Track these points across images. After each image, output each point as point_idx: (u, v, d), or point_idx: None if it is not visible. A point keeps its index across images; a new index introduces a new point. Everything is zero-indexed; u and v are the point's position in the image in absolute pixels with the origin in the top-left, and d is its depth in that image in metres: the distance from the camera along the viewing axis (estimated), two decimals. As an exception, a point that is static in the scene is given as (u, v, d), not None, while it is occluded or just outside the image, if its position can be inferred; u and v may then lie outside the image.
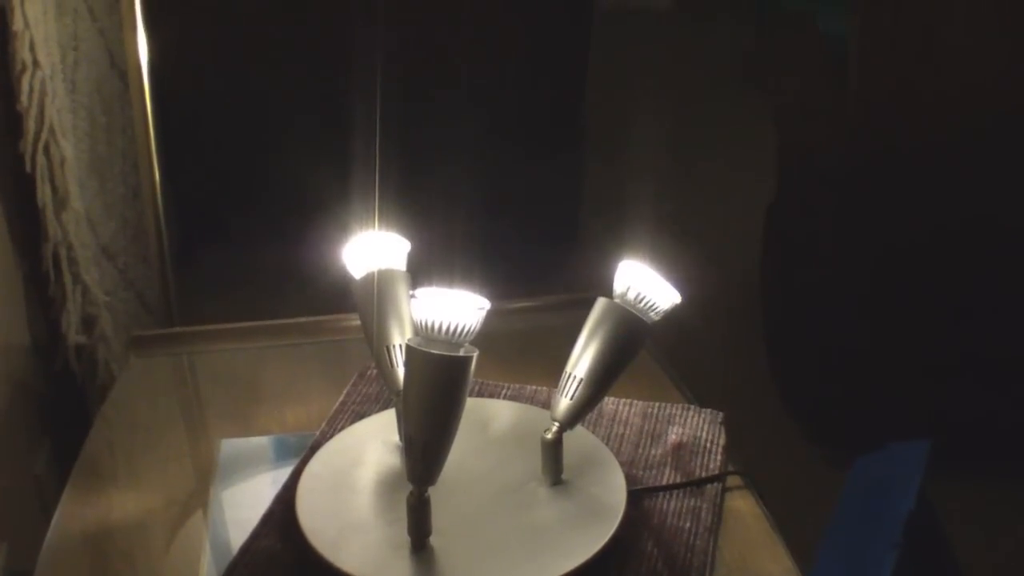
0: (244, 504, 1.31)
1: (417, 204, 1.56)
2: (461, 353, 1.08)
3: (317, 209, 1.75)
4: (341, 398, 1.44)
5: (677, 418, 1.42)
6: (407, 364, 1.10)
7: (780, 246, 2.94)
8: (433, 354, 1.06)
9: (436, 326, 1.07)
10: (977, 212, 2.42)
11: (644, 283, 1.24)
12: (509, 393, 1.46)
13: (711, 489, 1.31)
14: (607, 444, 1.33)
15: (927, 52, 2.31)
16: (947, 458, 1.81)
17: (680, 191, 3.76)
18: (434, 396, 1.08)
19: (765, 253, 3.03)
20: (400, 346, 1.23)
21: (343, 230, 1.29)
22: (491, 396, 1.45)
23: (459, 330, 1.07)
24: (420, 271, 1.28)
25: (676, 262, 1.32)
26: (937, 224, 2.44)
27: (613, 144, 3.39)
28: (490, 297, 1.11)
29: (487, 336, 1.11)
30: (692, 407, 1.45)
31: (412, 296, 1.09)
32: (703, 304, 1.71)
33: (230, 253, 2.20)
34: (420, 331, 1.08)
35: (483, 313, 1.09)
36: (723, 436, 1.40)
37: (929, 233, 2.44)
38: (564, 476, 1.25)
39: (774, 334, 2.97)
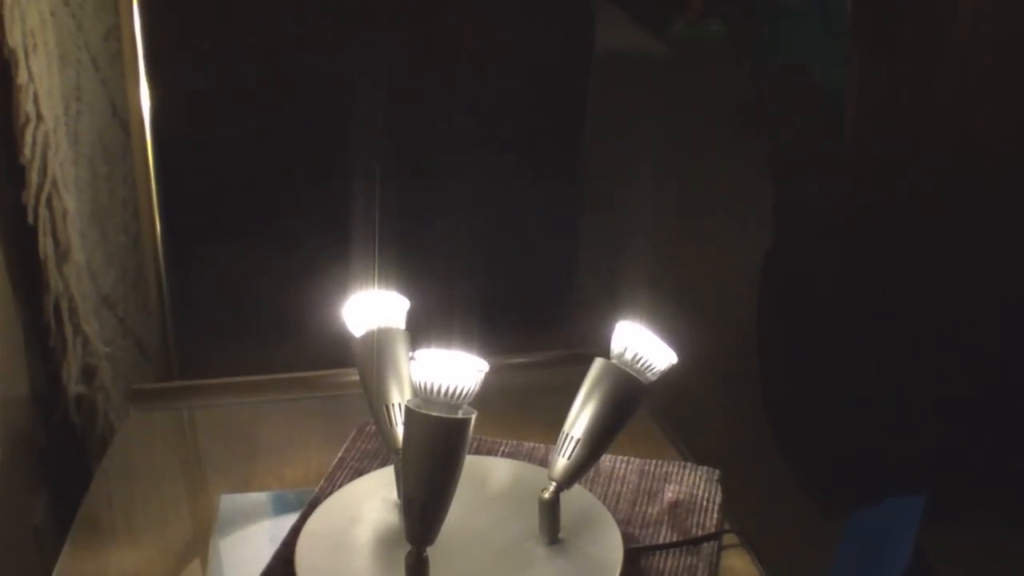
0: (243, 560, 1.31)
1: (416, 262, 1.56)
2: (460, 415, 1.09)
3: (318, 262, 1.76)
4: (340, 454, 1.45)
5: (674, 476, 1.43)
6: (406, 425, 1.10)
7: (777, 299, 2.95)
8: (432, 416, 1.07)
9: (435, 388, 1.08)
10: (976, 261, 2.43)
11: (641, 344, 1.25)
12: (507, 450, 1.46)
13: (707, 547, 1.32)
14: (604, 502, 1.34)
15: (923, 103, 2.33)
16: (943, 513, 1.82)
17: (677, 243, 3.77)
18: (433, 457, 1.09)
19: (762, 306, 3.04)
20: (399, 405, 1.23)
21: (343, 286, 1.31)
22: (489, 453, 1.46)
23: (458, 393, 1.08)
24: (420, 329, 1.29)
25: (673, 319, 1.33)
26: (937, 276, 2.45)
27: (611, 199, 3.40)
28: (489, 353, 1.12)
29: (485, 392, 1.12)
30: (688, 465, 1.46)
31: (411, 357, 1.10)
32: (700, 361, 1.72)
33: (230, 301, 2.21)
34: (419, 393, 1.09)
35: (482, 375, 1.10)
36: (719, 494, 1.41)
37: (929, 285, 2.45)
38: (561, 535, 1.25)
39: (771, 388, 2.97)
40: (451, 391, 1.08)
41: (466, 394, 1.09)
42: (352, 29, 2.10)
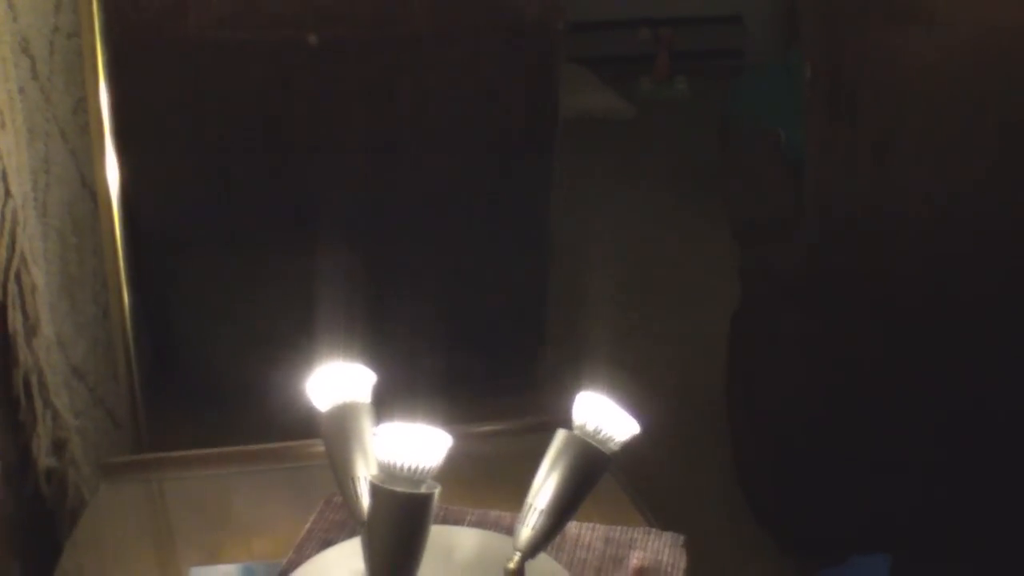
0: (212, 633, 1.32)
1: (383, 336, 1.58)
2: (423, 490, 1.10)
3: (287, 334, 1.77)
4: (308, 525, 1.46)
5: (639, 542, 1.45)
6: (371, 500, 1.12)
7: (744, 360, 2.97)
8: (395, 492, 1.09)
9: (398, 464, 1.09)
10: (937, 321, 2.45)
11: (602, 415, 1.27)
12: (473, 519, 1.48)
13: (672, 613, 1.33)
14: (569, 569, 1.35)
15: (881, 172, 2.36)
16: (911, 569, 1.84)
17: (641, 303, 3.80)
18: (397, 531, 1.11)
19: (729, 367, 3.06)
20: (365, 478, 1.25)
21: (310, 358, 1.32)
22: (456, 522, 1.47)
23: (421, 468, 1.10)
24: (385, 400, 1.31)
25: (637, 385, 1.35)
26: (899, 336, 2.47)
27: (576, 268, 3.43)
28: (453, 421, 1.14)
29: (451, 460, 1.13)
30: (653, 531, 1.47)
31: (375, 434, 1.12)
32: (666, 426, 1.74)
33: (200, 371, 2.22)
34: (383, 468, 1.11)
35: (445, 449, 1.12)
36: (684, 559, 1.42)
37: (892, 345, 2.48)
38: (527, 604, 1.27)
39: (738, 447, 2.99)
40: (414, 467, 1.09)
41: (429, 469, 1.10)
42: (320, 101, 2.12)
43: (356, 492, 1.25)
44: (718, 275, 3.35)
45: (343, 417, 1.27)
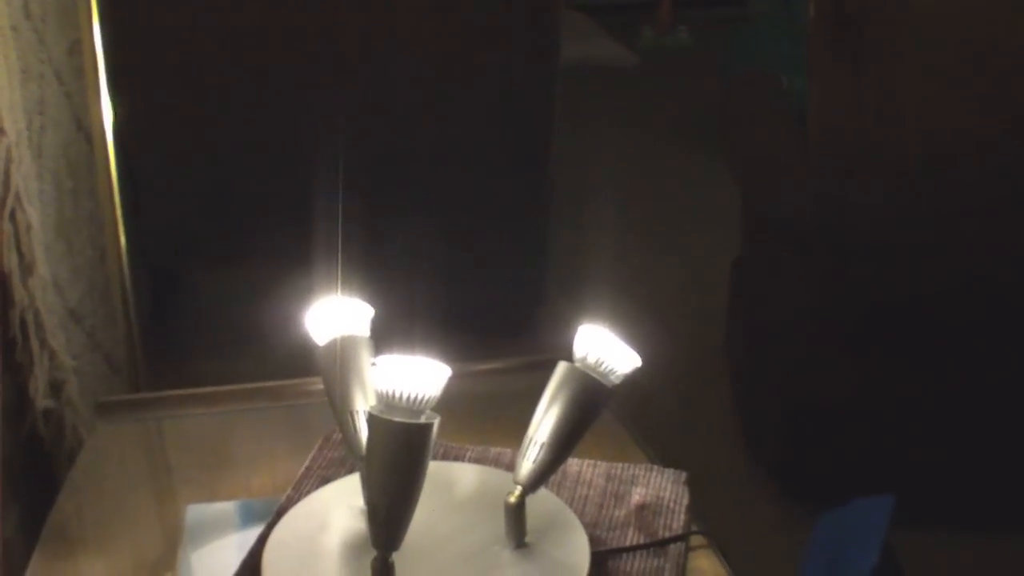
0: (211, 570, 1.31)
1: (381, 269, 1.57)
2: (422, 420, 1.09)
3: (284, 271, 1.76)
4: (307, 463, 1.45)
5: (640, 479, 1.43)
6: (369, 432, 1.11)
7: (746, 302, 2.97)
8: (394, 422, 1.08)
9: (397, 394, 1.08)
10: (941, 261, 2.44)
11: (603, 347, 1.25)
12: (473, 456, 1.46)
13: (675, 549, 1.32)
14: (570, 505, 1.34)
15: (884, 111, 2.34)
16: (911, 512, 1.83)
17: (645, 249, 3.79)
18: (396, 463, 1.10)
19: (730, 309, 3.06)
20: (363, 412, 1.23)
21: (308, 294, 1.31)
22: (455, 459, 1.46)
23: (420, 398, 1.08)
24: (383, 336, 1.29)
25: (639, 322, 1.33)
26: (903, 275, 2.46)
27: (578, 206, 3.42)
28: (453, 360, 1.13)
29: (451, 399, 1.12)
30: (655, 467, 1.46)
31: (373, 364, 1.11)
32: (667, 363, 1.73)
33: (197, 314, 2.21)
34: (382, 399, 1.09)
35: (444, 380, 1.11)
36: (686, 496, 1.41)
37: (896, 285, 2.47)
38: (527, 539, 1.25)
39: (738, 389, 2.99)
40: (413, 397, 1.08)
41: (428, 399, 1.09)
42: (316, 40, 2.10)
43: (355, 427, 1.24)
44: (719, 222, 3.34)
45: (341, 350, 1.26)
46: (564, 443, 1.24)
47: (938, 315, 2.47)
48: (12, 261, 1.65)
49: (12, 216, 1.65)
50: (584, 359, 1.25)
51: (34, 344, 1.71)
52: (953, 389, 2.54)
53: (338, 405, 1.25)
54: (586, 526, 1.29)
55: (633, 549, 1.31)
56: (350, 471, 1.41)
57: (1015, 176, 2.34)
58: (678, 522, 1.36)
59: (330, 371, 1.26)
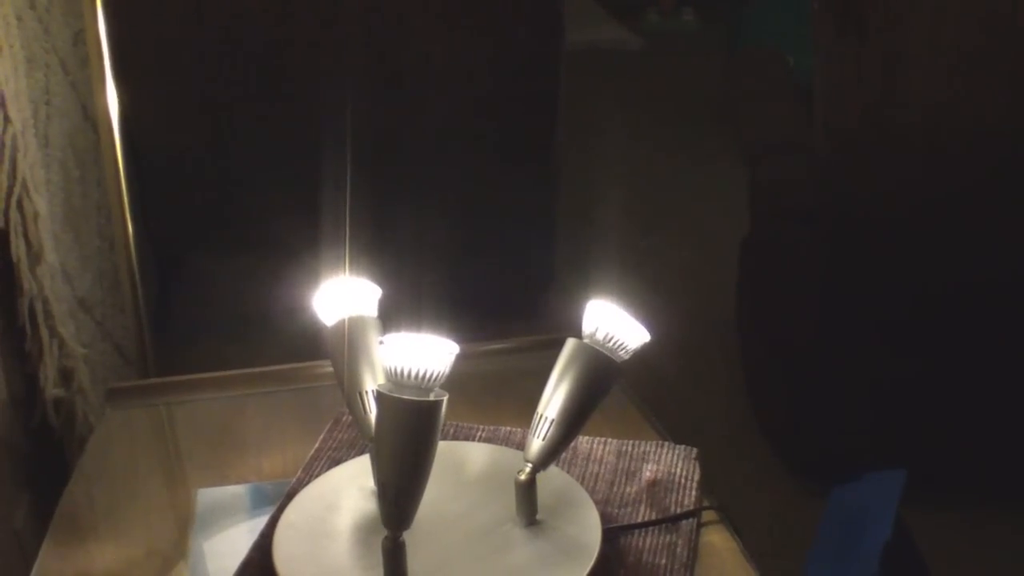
0: (223, 553, 1.31)
1: (388, 249, 1.56)
2: (431, 398, 1.09)
3: (291, 255, 1.76)
4: (317, 445, 1.45)
5: (651, 455, 1.43)
6: (378, 410, 1.11)
7: (755, 280, 2.96)
8: (403, 399, 1.07)
9: (405, 372, 1.08)
10: (948, 239, 2.44)
11: (612, 323, 1.25)
12: (483, 435, 1.46)
13: (686, 525, 1.32)
14: (582, 483, 1.34)
15: (890, 88, 2.33)
16: (924, 486, 1.83)
17: (653, 228, 3.79)
18: (405, 441, 1.09)
19: (739, 288, 3.05)
20: (372, 392, 1.23)
21: (315, 276, 1.31)
22: (466, 438, 1.45)
23: (428, 375, 1.08)
24: (392, 316, 1.29)
25: (649, 300, 1.33)
26: (908, 252, 2.46)
27: (584, 184, 3.42)
28: (462, 340, 1.12)
29: (460, 379, 1.12)
30: (666, 444, 1.46)
31: (381, 343, 1.10)
32: (677, 340, 1.73)
33: (206, 299, 2.21)
34: (390, 377, 1.09)
35: (452, 357, 1.10)
36: (697, 472, 1.41)
37: (902, 264, 2.46)
38: (539, 516, 1.25)
39: (749, 367, 2.98)
40: (421, 374, 1.08)
41: (437, 376, 1.09)
42: (323, 29, 2.10)
43: (364, 407, 1.24)
44: (726, 202, 3.34)
45: (349, 331, 1.26)
46: (574, 419, 1.24)
47: (947, 290, 2.47)
48: (20, 250, 1.65)
49: (19, 205, 1.65)
50: (593, 335, 1.25)
51: (43, 333, 1.71)
52: (963, 364, 2.53)
53: (347, 385, 1.25)
54: (597, 503, 1.29)
55: (645, 525, 1.31)
56: (360, 453, 1.41)
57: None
58: (689, 498, 1.36)
59: (338, 351, 1.26)
